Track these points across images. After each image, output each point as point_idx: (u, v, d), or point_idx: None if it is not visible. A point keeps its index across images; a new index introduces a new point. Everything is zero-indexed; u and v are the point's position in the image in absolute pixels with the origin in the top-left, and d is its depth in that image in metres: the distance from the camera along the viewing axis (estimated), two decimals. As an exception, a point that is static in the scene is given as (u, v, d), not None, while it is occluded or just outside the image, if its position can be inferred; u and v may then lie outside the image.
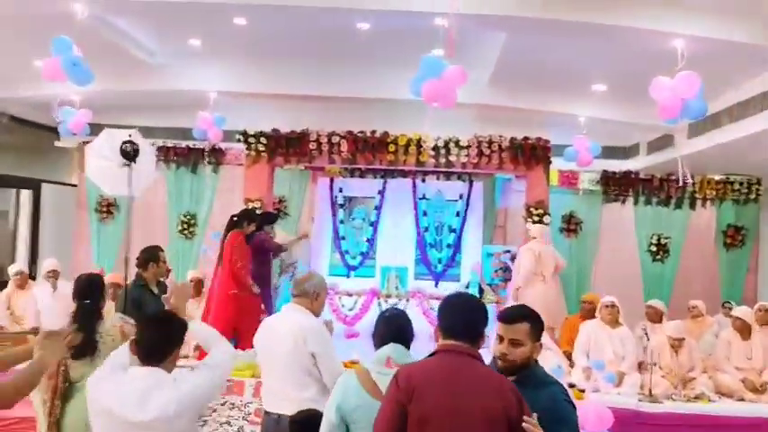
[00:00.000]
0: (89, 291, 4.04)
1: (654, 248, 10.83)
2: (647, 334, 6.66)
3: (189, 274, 7.95)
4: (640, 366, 6.91)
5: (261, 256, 7.75)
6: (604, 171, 10.78)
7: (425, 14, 6.33)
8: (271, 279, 7.99)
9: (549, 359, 6.94)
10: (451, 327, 2.73)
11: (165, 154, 11.05)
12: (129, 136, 5.09)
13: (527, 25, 6.30)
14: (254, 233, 7.68)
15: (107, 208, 11.25)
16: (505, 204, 11.12)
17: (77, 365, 3.82)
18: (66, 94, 9.68)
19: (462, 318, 2.75)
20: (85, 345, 3.81)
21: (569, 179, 10.69)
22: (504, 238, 11.03)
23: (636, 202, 10.89)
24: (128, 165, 5.07)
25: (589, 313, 7.83)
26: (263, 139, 8.89)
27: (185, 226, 11.08)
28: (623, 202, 10.90)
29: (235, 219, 7.46)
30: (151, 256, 5.34)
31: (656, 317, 7.74)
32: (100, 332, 3.90)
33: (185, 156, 11.06)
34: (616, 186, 10.84)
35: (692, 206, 10.82)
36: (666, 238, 10.82)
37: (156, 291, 5.39)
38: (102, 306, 4.14)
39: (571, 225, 10.76)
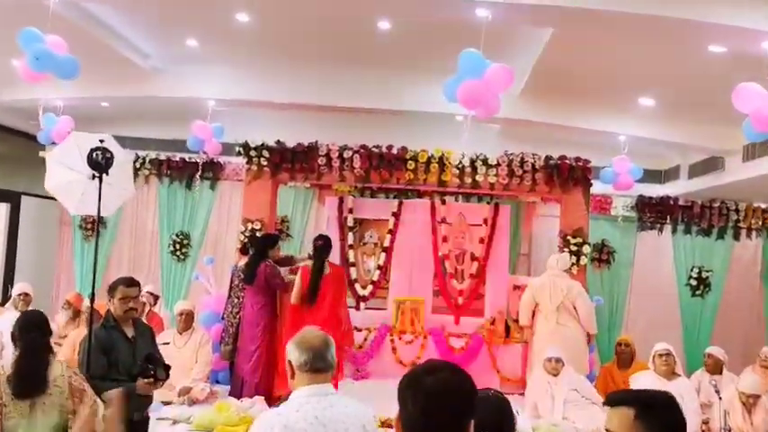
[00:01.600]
0: (33, 325, 3.63)
1: (693, 282, 9.87)
2: (718, 392, 5.60)
3: (177, 307, 6.91)
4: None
5: (265, 294, 6.78)
6: (640, 196, 9.80)
7: (457, 5, 5.32)
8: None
9: (597, 416, 5.89)
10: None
11: (157, 167, 10.15)
12: (101, 142, 4.07)
13: (580, 19, 5.32)
14: (255, 263, 6.68)
15: (92, 225, 10.24)
16: (530, 230, 10.11)
17: (15, 408, 3.35)
18: (50, 100, 8.75)
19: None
20: (34, 382, 3.40)
21: (601, 204, 9.70)
22: (529, 269, 10.02)
23: (674, 231, 9.95)
24: (98, 177, 4.05)
25: (626, 359, 6.79)
26: (265, 153, 7.89)
27: (177, 247, 10.09)
28: (660, 230, 9.94)
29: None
30: (109, 287, 4.32)
31: (716, 368, 6.69)
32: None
33: (179, 169, 10.11)
34: (653, 213, 9.88)
35: (736, 236, 9.86)
36: (708, 271, 9.87)
37: (130, 334, 4.34)
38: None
39: (603, 255, 9.76)
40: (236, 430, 5.34)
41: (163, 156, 10.17)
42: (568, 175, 7.74)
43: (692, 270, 9.86)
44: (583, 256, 7.76)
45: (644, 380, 6.02)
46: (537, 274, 9.63)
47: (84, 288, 10.00)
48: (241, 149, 7.95)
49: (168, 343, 6.49)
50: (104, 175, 4.08)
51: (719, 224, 9.81)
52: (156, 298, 8.52)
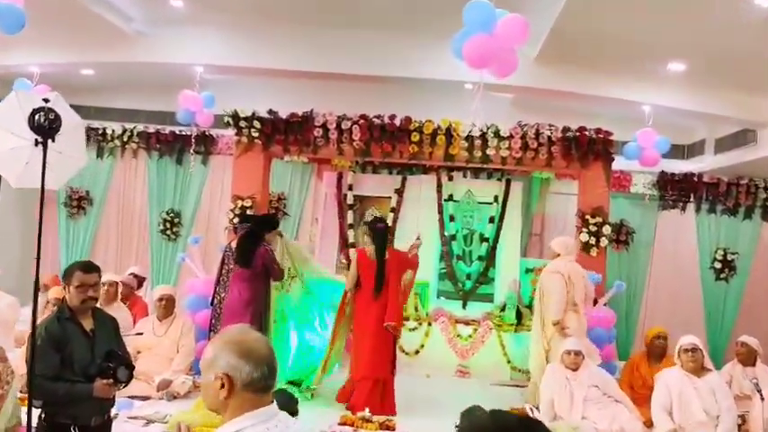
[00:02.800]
0: None
1: (718, 265, 9.22)
2: (759, 390, 4.97)
3: (156, 291, 6.30)
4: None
5: (260, 279, 6.18)
6: (662, 172, 9.10)
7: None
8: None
9: (620, 415, 5.28)
10: None
11: (145, 140, 9.52)
12: (45, 101, 3.42)
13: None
14: (252, 245, 6.06)
15: (78, 202, 9.65)
16: (543, 209, 9.44)
17: None
18: (25, 66, 8.08)
19: None
20: None
21: (620, 181, 9.00)
22: (541, 250, 9.36)
23: (698, 210, 9.31)
24: (42, 143, 3.41)
25: (659, 354, 6.15)
26: (256, 123, 7.24)
27: (168, 225, 9.48)
28: (683, 209, 9.28)
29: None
30: (64, 272, 3.70)
31: (749, 358, 6.06)
32: None
33: (169, 143, 9.48)
34: (675, 191, 9.20)
35: (765, 216, 9.22)
36: (733, 253, 9.22)
37: (89, 327, 3.72)
38: None
39: (621, 235, 9.08)
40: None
41: (152, 128, 9.53)
42: (588, 149, 7.07)
43: (716, 252, 9.22)
44: (603, 238, 7.10)
45: (670, 377, 5.40)
46: (550, 258, 9.03)
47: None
48: (230, 120, 7.29)
49: (142, 333, 5.90)
50: (50, 141, 3.43)
51: (747, 203, 9.18)
52: (142, 280, 7.93)
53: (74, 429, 3.60)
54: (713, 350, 8.83)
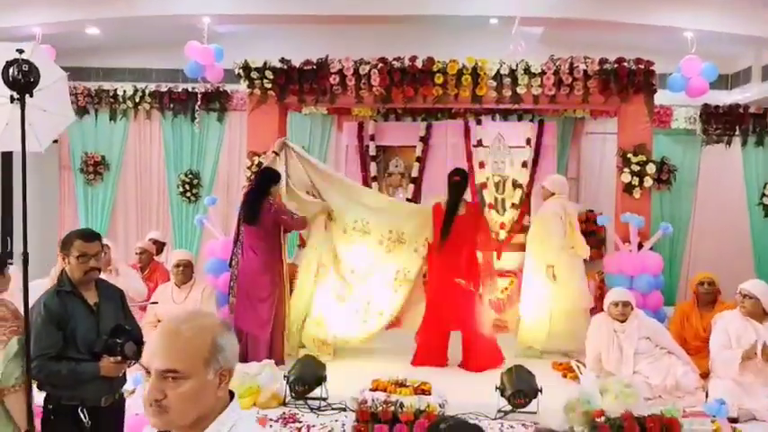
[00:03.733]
0: None
1: (767, 201, 8.58)
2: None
3: (173, 257, 5.97)
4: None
5: (272, 236, 5.88)
6: (705, 105, 8.48)
7: None
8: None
9: (674, 368, 4.88)
10: None
11: (158, 100, 9.11)
12: (20, 52, 3.02)
13: None
14: (256, 200, 5.73)
15: (94, 167, 9.34)
16: (578, 150, 8.91)
17: None
18: (27, 27, 7.71)
19: None
20: None
21: (660, 116, 8.40)
22: (578, 195, 8.87)
23: (744, 144, 8.71)
24: (19, 100, 3.02)
25: (709, 300, 5.68)
26: (268, 74, 6.78)
27: (187, 187, 9.14)
28: (728, 143, 8.68)
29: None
30: (62, 242, 3.36)
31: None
32: None
33: (183, 101, 9.06)
34: (719, 124, 8.58)
35: (817, 145, 8.54)
36: (783, 187, 8.57)
37: (92, 301, 3.40)
38: None
39: (663, 174, 8.50)
40: (241, 404, 4.44)
41: (164, 87, 9.12)
42: (628, 81, 6.49)
43: (765, 187, 8.63)
44: (647, 177, 6.58)
45: (729, 320, 4.97)
46: (587, 202, 8.58)
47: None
48: (240, 71, 6.84)
49: (156, 302, 5.60)
50: (27, 96, 3.04)
51: (797, 133, 8.53)
52: (162, 245, 7.63)
53: (82, 412, 3.32)
54: (764, 292, 8.36)
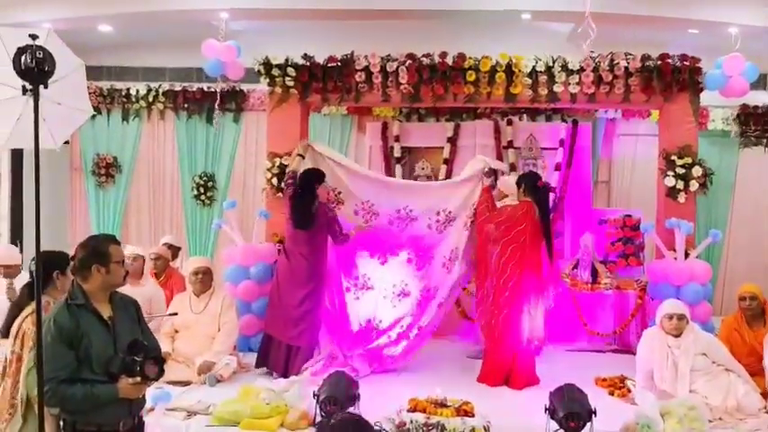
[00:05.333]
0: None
1: (808, 206, 8.22)
2: None
3: (190, 264, 5.61)
4: None
5: (322, 242, 5.59)
6: (743, 105, 8.11)
7: None
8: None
9: (734, 387, 4.51)
10: None
11: (172, 100, 8.85)
12: (33, 38, 2.69)
13: None
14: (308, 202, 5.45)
15: (106, 169, 9.05)
16: (610, 152, 8.53)
17: None
18: (37, 22, 7.39)
19: None
20: None
21: (695, 117, 8.01)
22: (608, 199, 8.51)
23: (784, 146, 8.27)
24: (32, 91, 2.68)
25: (755, 315, 5.22)
26: (291, 71, 6.44)
27: (202, 190, 8.84)
28: (767, 146, 8.24)
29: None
30: (94, 252, 3.02)
31: None
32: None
33: (198, 101, 8.77)
34: (758, 126, 8.21)
35: None
36: (823, 192, 8.20)
37: (106, 314, 3.06)
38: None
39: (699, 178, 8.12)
40: (268, 424, 4.09)
41: (178, 86, 8.82)
42: (672, 79, 6.13)
43: (805, 192, 8.26)
44: (692, 181, 6.21)
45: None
46: (618, 206, 8.20)
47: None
48: (261, 69, 6.51)
49: (176, 314, 5.25)
50: (42, 87, 2.70)
51: (839, 135, 8.15)
52: (177, 251, 7.30)
53: (100, 438, 2.98)
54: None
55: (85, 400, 2.90)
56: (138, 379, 2.96)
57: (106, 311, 3.07)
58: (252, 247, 6.37)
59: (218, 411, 4.21)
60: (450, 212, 5.73)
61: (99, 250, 3.05)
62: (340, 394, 4.21)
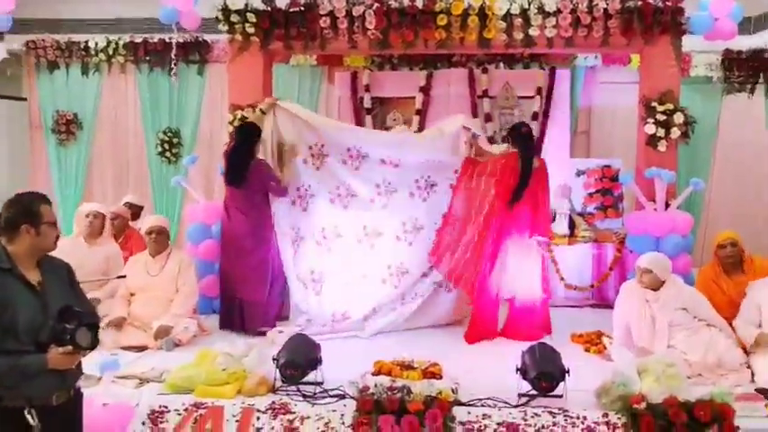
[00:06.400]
0: None
1: (792, 153, 8.01)
2: None
3: (144, 223, 5.30)
4: None
5: (261, 198, 5.39)
6: (727, 50, 7.82)
7: None
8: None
9: (715, 343, 4.33)
10: None
11: (133, 52, 8.37)
12: None
13: None
14: (243, 158, 5.24)
15: (66, 126, 8.63)
16: (589, 101, 8.23)
17: None
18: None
19: None
20: None
21: (677, 63, 7.72)
22: (588, 149, 8.24)
23: (768, 92, 8.02)
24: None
25: (734, 263, 4.99)
26: (251, 17, 6.05)
27: (167, 146, 8.47)
28: (751, 92, 8.04)
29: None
30: (24, 211, 2.74)
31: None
32: None
33: (160, 53, 8.32)
34: (742, 71, 7.93)
35: None
36: (811, 138, 7.98)
37: (35, 279, 2.78)
38: None
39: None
40: (224, 391, 3.85)
41: (139, 38, 8.37)
42: (653, 21, 5.81)
43: (789, 138, 8.04)
44: (674, 128, 5.95)
45: (765, 290, 4.40)
46: (598, 156, 7.95)
47: (64, 201, 8.58)
48: (219, 15, 6.12)
49: (124, 276, 4.97)
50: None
51: (824, 80, 7.90)
52: (139, 210, 6.97)
53: (30, 413, 2.72)
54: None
55: (11, 372, 2.65)
56: (70, 348, 2.70)
57: (34, 277, 2.80)
58: (214, 204, 6.07)
59: (171, 378, 3.96)
60: (429, 177, 5.46)
61: (30, 209, 2.78)
62: (301, 358, 3.98)
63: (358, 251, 5.45)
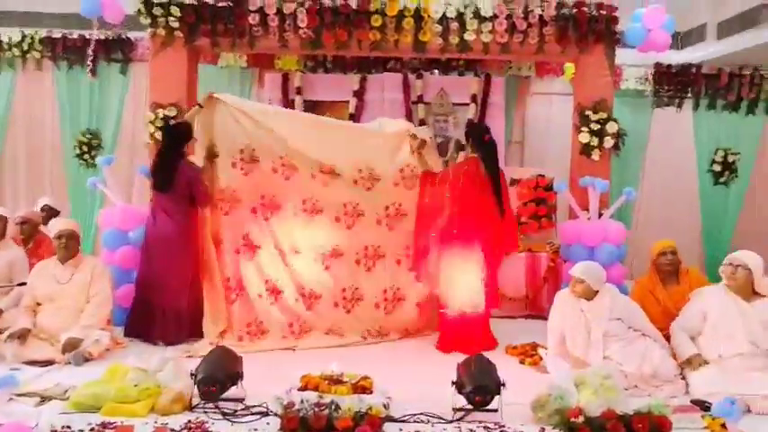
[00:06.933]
0: None
1: (717, 167, 8.26)
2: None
3: (53, 227, 4.87)
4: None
5: (188, 202, 5.14)
6: (657, 64, 7.93)
7: None
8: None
9: (650, 353, 4.27)
10: None
11: (51, 48, 7.87)
12: None
13: None
14: (171, 161, 5.03)
15: (-28, 123, 8.05)
16: (523, 112, 8.21)
17: None
18: None
19: None
20: None
21: (608, 76, 7.77)
22: (522, 159, 8.21)
23: (696, 107, 8.23)
24: None
25: (672, 272, 5.00)
26: (174, 10, 5.73)
27: (85, 149, 7.98)
28: (679, 106, 8.16)
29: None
30: None
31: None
32: None
33: (79, 49, 7.84)
34: (671, 85, 8.06)
35: (771, 111, 8.15)
36: (734, 153, 8.23)
37: None
38: None
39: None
40: (134, 409, 3.52)
41: (57, 33, 7.89)
42: (588, 29, 5.79)
43: (715, 153, 8.22)
44: (607, 138, 5.93)
45: (713, 298, 4.37)
46: (532, 165, 7.92)
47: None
48: (141, 7, 5.77)
49: (24, 283, 4.57)
50: None
51: (750, 96, 8.09)
52: (55, 214, 6.52)
53: None
54: (711, 263, 7.96)
55: None
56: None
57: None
58: (131, 208, 5.70)
59: (76, 395, 3.61)
60: (372, 169, 5.25)
61: None
62: (221, 373, 3.68)
63: (273, 265, 5.21)
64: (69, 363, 4.37)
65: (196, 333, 5.06)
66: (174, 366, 3.83)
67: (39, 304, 4.73)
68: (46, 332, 4.57)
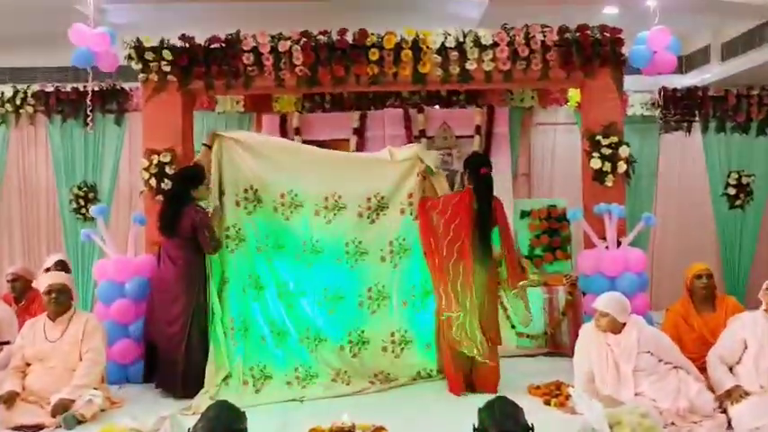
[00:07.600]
0: None
1: (732, 191, 8.00)
2: None
3: (41, 282, 4.59)
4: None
5: (194, 247, 4.94)
6: (663, 88, 7.76)
7: None
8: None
9: (686, 386, 3.95)
10: None
11: (44, 102, 7.76)
12: None
13: None
14: (177, 206, 4.92)
15: (-35, 183, 7.88)
16: (528, 143, 7.99)
17: None
18: None
19: None
20: None
21: (614, 102, 7.59)
22: (529, 191, 7.97)
23: (704, 130, 8.02)
24: None
25: (708, 296, 4.74)
26: (166, 54, 5.58)
27: (82, 202, 7.77)
28: (688, 130, 7.96)
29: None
30: None
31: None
32: None
33: (73, 102, 7.71)
34: (678, 109, 7.90)
35: (782, 130, 7.95)
36: (748, 175, 7.98)
37: None
38: None
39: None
40: (129, 475, 3.22)
41: (50, 87, 7.77)
42: (592, 52, 5.60)
43: (728, 176, 7.99)
44: (620, 162, 5.70)
45: (753, 325, 4.07)
46: (540, 197, 7.69)
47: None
48: (132, 52, 5.62)
49: (8, 342, 4.30)
50: None
51: (759, 117, 7.91)
52: (67, 272, 6.22)
53: None
54: (731, 289, 7.68)
55: None
56: None
57: None
58: (126, 259, 5.43)
59: (65, 463, 3.31)
60: (382, 197, 5.09)
61: None
62: (222, 429, 3.38)
63: (276, 307, 5.05)
64: (60, 426, 4.07)
65: (199, 384, 4.78)
66: (172, 425, 3.53)
67: (28, 365, 4.44)
68: (36, 394, 4.28)
